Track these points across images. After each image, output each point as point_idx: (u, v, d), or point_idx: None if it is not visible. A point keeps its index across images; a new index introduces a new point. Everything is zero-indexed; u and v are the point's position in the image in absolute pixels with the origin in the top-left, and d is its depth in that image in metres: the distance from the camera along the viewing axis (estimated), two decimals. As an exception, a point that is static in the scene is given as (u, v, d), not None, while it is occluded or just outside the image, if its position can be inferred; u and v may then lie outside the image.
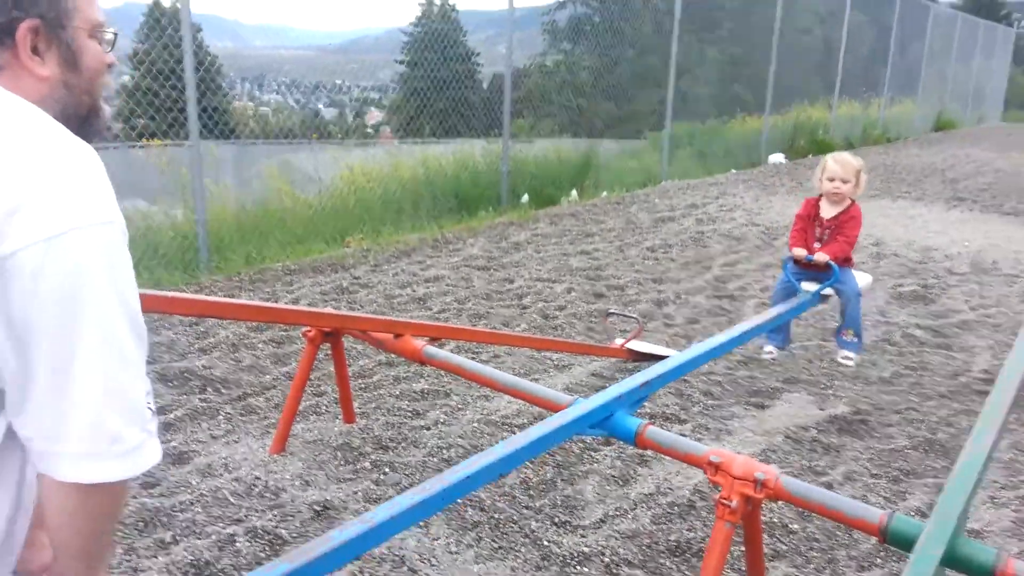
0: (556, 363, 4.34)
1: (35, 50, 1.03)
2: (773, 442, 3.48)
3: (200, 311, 2.93)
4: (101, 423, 0.92)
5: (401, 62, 12.78)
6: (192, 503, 2.81)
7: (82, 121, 1.10)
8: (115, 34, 1.14)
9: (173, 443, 3.24)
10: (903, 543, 1.96)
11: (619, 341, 4.32)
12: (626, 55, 14.10)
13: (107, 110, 1.15)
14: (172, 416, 3.47)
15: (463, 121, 9.45)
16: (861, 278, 4.17)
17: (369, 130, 13.29)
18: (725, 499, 2.12)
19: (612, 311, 4.99)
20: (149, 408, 0.98)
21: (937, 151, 16.28)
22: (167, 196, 6.59)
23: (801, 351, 4.64)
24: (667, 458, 3.25)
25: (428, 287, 5.66)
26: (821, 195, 3.99)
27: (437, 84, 9.30)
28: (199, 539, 2.61)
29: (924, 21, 20.39)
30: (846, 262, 3.96)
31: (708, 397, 3.96)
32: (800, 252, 3.95)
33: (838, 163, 3.91)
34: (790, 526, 2.83)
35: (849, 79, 17.19)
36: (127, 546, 2.56)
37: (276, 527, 2.69)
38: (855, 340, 4.06)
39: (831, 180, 3.89)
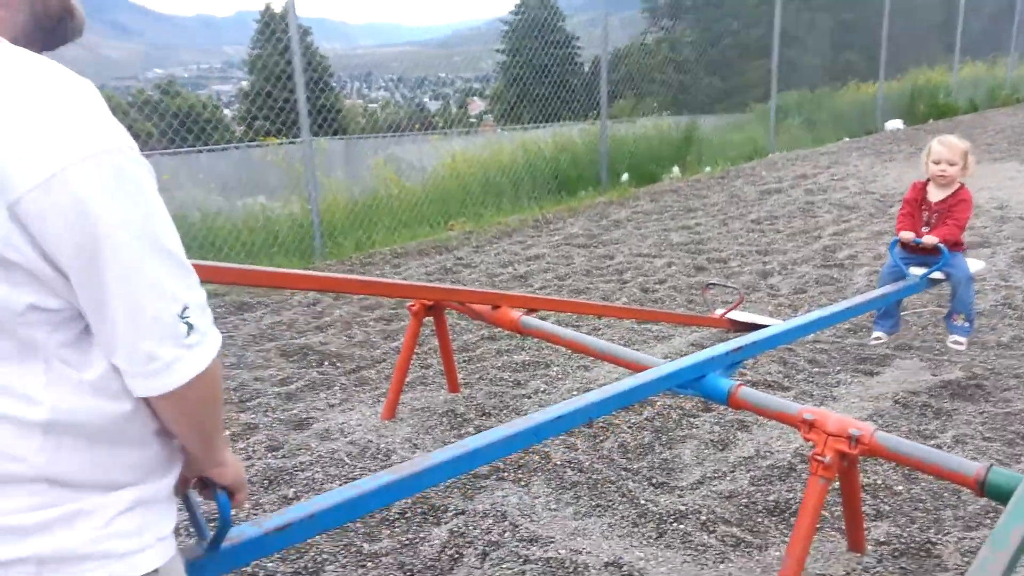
0: (656, 334, 4.37)
1: None
2: (880, 407, 3.41)
3: (313, 286, 3.15)
4: (135, 346, 0.97)
5: (500, 51, 12.93)
6: (311, 463, 3.04)
7: (56, 23, 1.07)
8: None
9: (294, 411, 3.49)
10: (1002, 496, 1.92)
11: (719, 312, 4.31)
12: (730, 28, 13.73)
13: (81, 9, 1.10)
14: (293, 387, 3.73)
15: (564, 105, 9.49)
16: (973, 264, 4.02)
17: (472, 119, 13.54)
18: (819, 455, 2.14)
19: (712, 282, 4.96)
20: (186, 322, 0.99)
21: (1076, 109, 15.08)
22: (284, 191, 7.00)
23: (914, 318, 4.48)
24: (768, 424, 3.26)
25: (529, 265, 5.78)
26: (928, 179, 3.89)
27: (537, 71, 9.36)
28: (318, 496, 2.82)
29: (1059, -29, 18.87)
30: (956, 246, 3.83)
31: (813, 365, 3.90)
32: (908, 235, 3.86)
33: (944, 145, 3.81)
34: (895, 488, 2.78)
35: (972, 39, 16.13)
36: (254, 502, 2.80)
37: (387, 485, 2.87)
38: (966, 325, 3.92)
39: (937, 163, 3.80)
